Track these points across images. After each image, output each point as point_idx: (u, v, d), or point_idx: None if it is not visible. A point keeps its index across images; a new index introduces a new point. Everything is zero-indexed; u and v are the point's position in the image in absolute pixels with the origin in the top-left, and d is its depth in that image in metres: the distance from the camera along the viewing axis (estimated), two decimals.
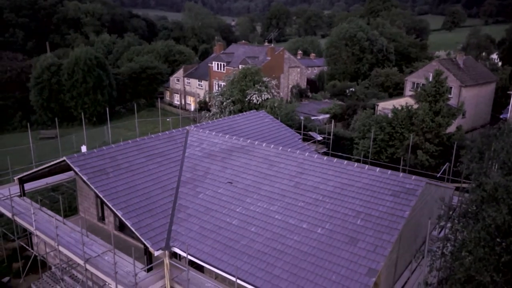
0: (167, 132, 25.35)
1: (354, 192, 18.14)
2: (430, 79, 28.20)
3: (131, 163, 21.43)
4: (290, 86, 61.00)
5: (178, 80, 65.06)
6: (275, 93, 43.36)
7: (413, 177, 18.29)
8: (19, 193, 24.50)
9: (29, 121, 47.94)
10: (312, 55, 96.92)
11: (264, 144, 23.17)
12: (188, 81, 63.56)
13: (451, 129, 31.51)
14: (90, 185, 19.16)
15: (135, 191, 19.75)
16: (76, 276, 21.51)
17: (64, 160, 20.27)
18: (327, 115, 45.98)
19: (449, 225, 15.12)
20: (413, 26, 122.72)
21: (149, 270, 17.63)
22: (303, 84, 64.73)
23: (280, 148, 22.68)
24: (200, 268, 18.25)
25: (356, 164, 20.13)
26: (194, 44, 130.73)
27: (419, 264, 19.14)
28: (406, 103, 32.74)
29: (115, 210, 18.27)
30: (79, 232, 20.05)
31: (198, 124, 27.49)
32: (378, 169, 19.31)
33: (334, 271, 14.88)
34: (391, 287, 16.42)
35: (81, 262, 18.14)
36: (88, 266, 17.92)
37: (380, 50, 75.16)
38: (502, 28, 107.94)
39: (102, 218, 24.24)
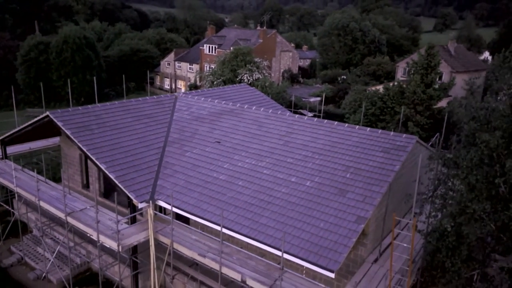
0: (155, 96, 24.82)
1: (344, 149, 17.83)
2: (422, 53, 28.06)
3: (117, 122, 20.88)
4: (282, 70, 60.59)
5: (168, 64, 64.30)
6: (266, 74, 42.97)
7: (404, 135, 18.05)
8: (0, 157, 23.81)
9: (16, 100, 46.84)
10: (305, 47, 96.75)
11: (253, 108, 22.78)
12: (178, 65, 62.85)
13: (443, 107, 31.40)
14: (74, 140, 18.58)
15: (120, 147, 19.21)
16: (58, 238, 20.92)
17: (47, 117, 19.65)
18: (318, 98, 45.68)
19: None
20: (405, 24, 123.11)
21: (132, 224, 17.14)
22: (295, 70, 64.35)
23: (270, 110, 22.30)
24: (185, 223, 17.80)
25: (346, 124, 19.83)
26: (186, 36, 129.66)
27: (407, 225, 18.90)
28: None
29: (98, 164, 17.72)
30: (61, 190, 19.51)
31: (187, 91, 27.00)
32: (368, 128, 19.02)
33: (322, 219, 14.55)
34: (379, 242, 16.11)
35: (62, 215, 17.58)
36: (69, 219, 17.37)
37: (372, 41, 75.15)
38: (492, 31, 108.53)
39: (86, 186, 23.66)
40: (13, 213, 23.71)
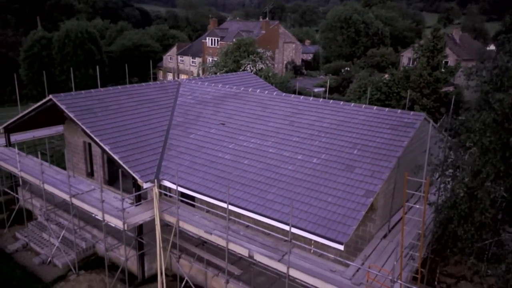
0: (158, 82, 24.61)
1: (351, 127, 17.57)
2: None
3: (120, 106, 20.69)
4: (285, 62, 60.27)
5: (171, 59, 64.13)
6: (270, 64, 42.71)
7: (412, 112, 17.77)
8: (4, 144, 23.70)
9: (19, 95, 46.81)
10: (307, 41, 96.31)
11: (258, 91, 22.55)
12: (181, 58, 62.67)
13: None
14: (77, 122, 18.40)
15: (124, 130, 19.03)
16: (62, 224, 20.76)
17: (50, 100, 19.47)
18: (322, 89, 45.41)
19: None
20: (408, 18, 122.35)
21: (137, 205, 16.96)
22: (298, 61, 63.98)
23: (275, 93, 22.06)
24: (190, 205, 17.59)
25: (353, 104, 19.57)
26: (188, 33, 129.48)
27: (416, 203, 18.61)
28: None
29: (102, 145, 17.54)
30: (65, 174, 19.38)
31: (190, 77, 26.79)
32: (375, 107, 18.75)
33: (330, 194, 14.31)
34: (388, 218, 15.83)
35: (67, 197, 17.42)
36: (74, 201, 17.21)
37: (376, 33, 74.70)
38: (496, 25, 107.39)
39: (91, 174, 23.48)
40: (18, 201, 23.60)
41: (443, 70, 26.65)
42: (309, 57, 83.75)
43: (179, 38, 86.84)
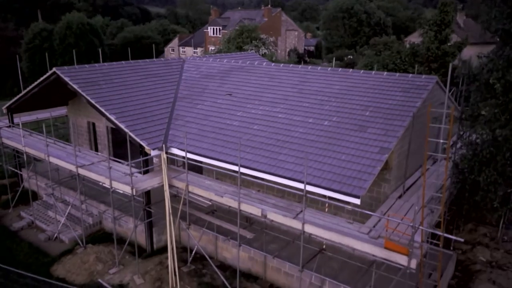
0: (162, 59, 24.26)
1: (362, 91, 17.18)
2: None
3: (124, 79, 20.36)
4: (288, 49, 59.84)
5: (173, 50, 63.77)
6: (273, 49, 42.32)
7: (424, 76, 17.36)
8: (8, 124, 23.36)
9: (21, 89, 46.57)
10: (309, 34, 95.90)
11: (264, 63, 22.16)
12: (183, 49, 62.33)
13: None
14: (81, 93, 18.04)
15: (129, 101, 18.69)
16: (68, 202, 20.37)
17: (54, 73, 19.11)
18: None
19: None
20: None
21: (145, 173, 16.60)
22: (301, 49, 63.57)
23: (282, 65, 21.67)
24: (199, 172, 17.25)
25: (362, 71, 19.16)
26: (189, 30, 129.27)
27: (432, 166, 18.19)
28: None
29: (107, 114, 17.18)
30: (71, 148, 19.04)
31: (194, 55, 26.42)
32: (385, 73, 18.36)
33: (343, 152, 13.93)
34: (402, 181, 15.40)
35: (73, 168, 17.05)
36: (81, 171, 16.84)
37: (378, 23, 74.23)
38: None
39: None
40: (22, 181, 23.27)
41: (450, 44, 26.25)
42: (310, 49, 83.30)
43: (180, 32, 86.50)
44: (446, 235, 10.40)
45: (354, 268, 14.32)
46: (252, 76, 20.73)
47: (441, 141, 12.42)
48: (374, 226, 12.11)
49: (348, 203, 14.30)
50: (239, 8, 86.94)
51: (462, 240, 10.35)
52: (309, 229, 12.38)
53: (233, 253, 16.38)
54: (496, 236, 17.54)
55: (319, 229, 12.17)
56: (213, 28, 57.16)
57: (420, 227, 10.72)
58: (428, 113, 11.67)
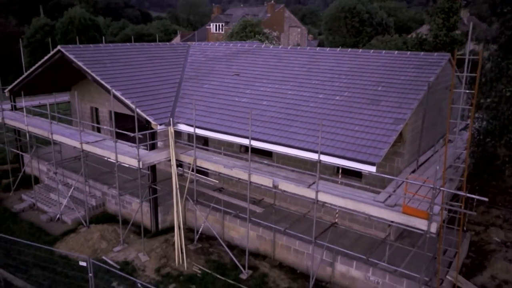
0: (167, 43, 23.96)
1: (372, 69, 16.85)
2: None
3: (130, 60, 20.05)
4: (290, 46, 59.64)
5: None
6: (276, 44, 42.06)
7: (436, 53, 17.05)
8: (10, 108, 23.00)
9: None
10: (310, 36, 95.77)
11: (271, 46, 21.85)
12: None
13: None
14: (87, 70, 17.69)
15: (135, 80, 18.36)
16: (71, 184, 19.94)
17: (59, 52, 18.75)
18: None
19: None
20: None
21: (151, 149, 16.21)
22: (304, 46, 63.44)
23: (289, 47, 21.35)
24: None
25: (372, 50, 18.85)
26: (189, 32, 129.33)
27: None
28: None
29: (113, 91, 16.74)
30: (75, 129, 18.69)
31: (200, 42, 26.14)
32: (396, 52, 18.04)
33: (356, 124, 13.56)
34: (415, 156, 15.02)
35: (77, 145, 16.66)
36: (85, 146, 16.44)
37: (380, 23, 73.97)
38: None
39: None
40: (23, 164, 22.87)
41: (458, 32, 25.96)
42: None
43: (182, 31, 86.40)
44: (469, 195, 10.01)
45: (367, 244, 13.94)
46: (259, 58, 20.41)
47: (465, 106, 12.04)
48: (386, 199, 11.70)
49: (360, 178, 14.00)
50: (241, 5, 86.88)
51: (486, 199, 9.94)
52: (323, 197, 11.99)
53: (241, 232, 15.97)
54: (510, 217, 17.15)
55: (333, 197, 11.79)
56: (216, 25, 56.98)
57: (442, 188, 10.32)
58: (453, 72, 11.28)
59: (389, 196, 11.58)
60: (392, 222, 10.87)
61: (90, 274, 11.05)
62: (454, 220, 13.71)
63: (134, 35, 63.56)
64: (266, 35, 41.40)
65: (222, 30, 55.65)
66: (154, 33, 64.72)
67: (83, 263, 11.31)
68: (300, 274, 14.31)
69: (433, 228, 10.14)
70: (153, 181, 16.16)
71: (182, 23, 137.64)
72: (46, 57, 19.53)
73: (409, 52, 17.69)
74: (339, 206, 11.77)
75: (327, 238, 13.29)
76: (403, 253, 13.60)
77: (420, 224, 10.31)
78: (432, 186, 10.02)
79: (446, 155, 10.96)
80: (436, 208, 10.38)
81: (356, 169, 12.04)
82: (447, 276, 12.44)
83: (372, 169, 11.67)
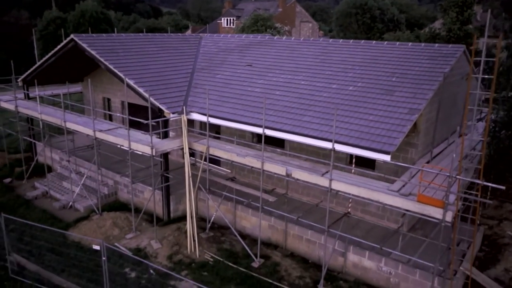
0: (179, 34, 23.99)
1: (386, 60, 16.71)
2: None
3: (142, 49, 20.11)
4: (303, 38, 59.45)
5: None
6: None
7: (450, 45, 16.87)
8: (23, 97, 23.18)
9: None
10: (321, 32, 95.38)
11: (284, 37, 21.77)
12: None
13: None
14: (99, 59, 17.77)
15: (147, 70, 18.42)
16: (83, 173, 20.08)
17: (72, 41, 18.86)
18: None
19: None
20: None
21: (164, 138, 16.26)
22: None
23: (302, 38, 21.26)
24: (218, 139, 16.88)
25: (386, 42, 18.70)
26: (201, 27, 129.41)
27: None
28: None
29: (125, 79, 16.80)
30: (87, 117, 18.80)
31: (212, 34, 26.13)
32: (410, 43, 17.87)
33: (370, 113, 13.48)
34: (429, 148, 14.89)
35: (90, 132, 16.75)
36: (98, 134, 16.53)
37: (391, 19, 73.44)
38: None
39: None
40: (36, 153, 23.08)
41: (471, 26, 25.65)
42: None
43: (193, 25, 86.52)
44: (486, 183, 9.90)
45: (380, 235, 13.87)
46: (272, 49, 20.35)
47: (483, 92, 11.89)
48: (400, 189, 11.60)
49: (372, 169, 13.93)
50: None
51: (503, 187, 9.82)
52: (337, 186, 11.93)
53: (252, 222, 15.97)
54: None
55: (347, 186, 11.73)
56: (227, 19, 56.89)
57: (458, 176, 10.22)
58: (472, 59, 11.14)
59: (404, 185, 11.48)
60: (407, 211, 10.77)
61: (103, 258, 11.11)
62: (468, 212, 13.58)
63: (145, 29, 63.83)
64: (278, 29, 41.27)
65: (233, 25, 55.57)
66: (165, 28, 64.88)
67: (97, 247, 11.39)
68: (311, 264, 14.29)
69: (449, 216, 10.05)
70: (165, 169, 16.21)
71: (192, 18, 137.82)
72: (59, 46, 19.66)
73: (423, 44, 17.53)
74: (353, 195, 11.71)
75: (340, 228, 13.24)
76: (416, 245, 13.54)
77: (435, 212, 10.22)
78: (448, 174, 9.91)
79: (463, 143, 10.82)
80: (452, 197, 10.28)
81: (371, 158, 11.95)
82: (461, 268, 12.32)
83: (387, 158, 11.59)
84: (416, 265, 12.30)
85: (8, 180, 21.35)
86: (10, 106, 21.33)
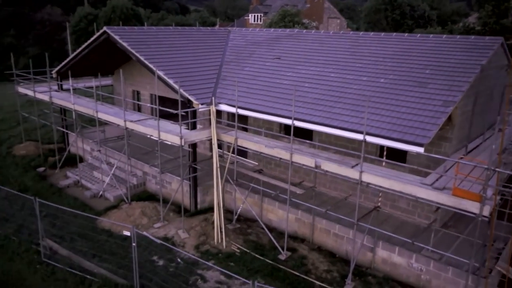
0: (208, 28, 24.10)
1: (420, 52, 16.28)
2: None
3: (172, 42, 20.31)
4: (332, 31, 58.89)
5: None
6: None
7: (487, 37, 16.29)
8: (57, 89, 23.78)
9: None
10: (348, 29, 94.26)
11: (313, 31, 21.54)
12: None
13: None
14: (131, 50, 18.02)
15: (177, 62, 18.58)
16: (113, 164, 20.45)
17: (105, 33, 19.20)
18: None
19: None
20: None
21: (193, 129, 16.35)
22: None
23: (331, 32, 20.98)
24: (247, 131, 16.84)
25: (419, 34, 18.23)
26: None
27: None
28: None
29: (156, 70, 17.00)
30: (118, 108, 19.10)
31: (240, 28, 26.13)
32: (444, 36, 17.38)
33: (403, 106, 13.16)
34: (464, 142, 14.44)
35: (121, 123, 17.02)
36: (129, 124, 16.77)
37: (422, 16, 71.79)
38: None
39: None
40: (68, 144, 23.67)
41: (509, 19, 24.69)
42: None
43: (220, 22, 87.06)
44: None
45: (410, 231, 13.53)
46: (301, 43, 20.17)
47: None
48: (438, 179, 11.28)
49: (403, 163, 13.61)
50: None
51: None
52: (367, 178, 11.70)
53: (279, 215, 15.89)
54: None
55: (378, 178, 11.48)
56: (254, 15, 56.89)
57: (497, 169, 9.85)
58: None
59: (438, 178, 11.15)
60: (441, 204, 10.45)
61: (133, 244, 11.26)
62: (505, 207, 13.10)
63: (173, 25, 64.77)
64: (305, 25, 40.92)
65: (260, 21, 55.51)
66: (193, 24, 65.60)
67: (127, 233, 11.55)
68: (339, 258, 14.10)
69: (486, 211, 9.69)
70: (193, 160, 16.31)
71: (219, 16, 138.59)
72: (92, 38, 20.07)
73: (458, 36, 17.00)
74: (384, 187, 11.45)
75: (368, 223, 12.99)
76: (448, 242, 13.12)
77: (472, 206, 9.87)
78: (486, 167, 9.55)
79: (504, 135, 10.42)
80: (490, 191, 9.91)
81: (404, 150, 11.67)
82: (497, 266, 11.89)
83: (420, 149, 11.28)
84: (449, 263, 11.96)
85: (41, 169, 21.98)
86: (45, 97, 21.91)
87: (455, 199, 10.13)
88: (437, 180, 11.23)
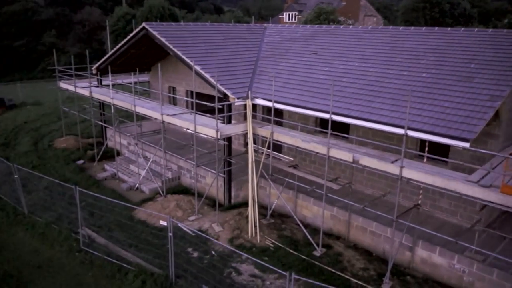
0: (244, 24, 24.11)
1: (463, 46, 15.66)
2: None
3: (208, 38, 20.41)
4: (370, 27, 57.89)
5: None
6: None
7: None
8: (97, 85, 24.43)
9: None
10: None
11: (350, 26, 21.15)
12: None
13: None
14: (168, 45, 18.24)
15: (213, 57, 18.64)
16: (149, 158, 20.78)
17: (143, 29, 19.53)
18: None
19: None
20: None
21: (228, 123, 16.36)
22: None
23: (370, 27, 20.54)
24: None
25: (462, 28, 17.55)
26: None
27: None
28: None
29: (192, 64, 17.10)
30: (155, 102, 19.38)
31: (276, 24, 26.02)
32: (490, 30, 16.63)
33: (446, 100, 12.66)
34: (511, 141, 13.76)
35: (158, 116, 17.26)
36: (166, 118, 16.98)
37: (462, 14, 69.37)
38: None
39: None
40: (106, 138, 24.25)
41: None
42: None
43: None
44: None
45: (451, 232, 12.99)
46: (338, 38, 19.84)
47: None
48: (484, 176, 10.76)
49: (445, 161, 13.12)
50: None
51: None
52: (408, 174, 11.32)
53: (314, 211, 15.66)
54: None
55: (420, 174, 11.09)
56: (289, 14, 56.66)
57: None
58: None
59: (485, 176, 10.64)
60: (489, 202, 9.96)
61: (170, 234, 11.34)
62: None
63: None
64: (341, 23, 40.35)
65: (295, 19, 55.22)
66: (228, 22, 66.07)
67: (164, 223, 11.65)
68: (376, 257, 13.73)
69: None
70: (228, 154, 16.32)
71: (253, 16, 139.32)
72: (131, 34, 20.49)
73: (505, 30, 16.22)
74: (426, 183, 11.04)
75: (408, 221, 12.57)
76: (493, 244, 12.50)
77: None
78: None
79: None
80: None
81: (447, 144, 11.23)
82: None
83: (466, 145, 10.80)
84: (494, 265, 11.40)
85: (81, 161, 22.62)
86: (85, 92, 22.54)
87: (503, 196, 9.64)
88: (483, 177, 10.72)
